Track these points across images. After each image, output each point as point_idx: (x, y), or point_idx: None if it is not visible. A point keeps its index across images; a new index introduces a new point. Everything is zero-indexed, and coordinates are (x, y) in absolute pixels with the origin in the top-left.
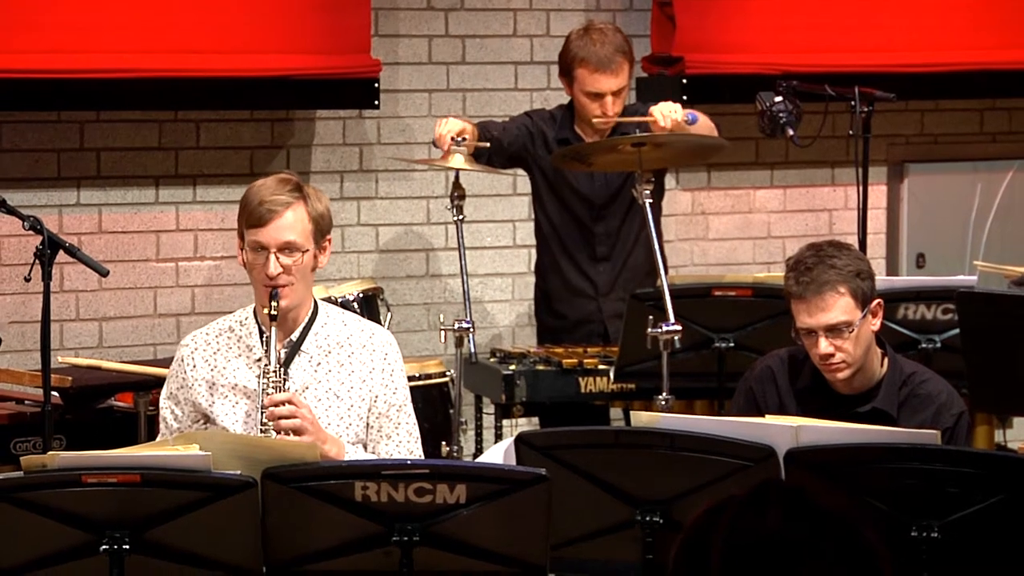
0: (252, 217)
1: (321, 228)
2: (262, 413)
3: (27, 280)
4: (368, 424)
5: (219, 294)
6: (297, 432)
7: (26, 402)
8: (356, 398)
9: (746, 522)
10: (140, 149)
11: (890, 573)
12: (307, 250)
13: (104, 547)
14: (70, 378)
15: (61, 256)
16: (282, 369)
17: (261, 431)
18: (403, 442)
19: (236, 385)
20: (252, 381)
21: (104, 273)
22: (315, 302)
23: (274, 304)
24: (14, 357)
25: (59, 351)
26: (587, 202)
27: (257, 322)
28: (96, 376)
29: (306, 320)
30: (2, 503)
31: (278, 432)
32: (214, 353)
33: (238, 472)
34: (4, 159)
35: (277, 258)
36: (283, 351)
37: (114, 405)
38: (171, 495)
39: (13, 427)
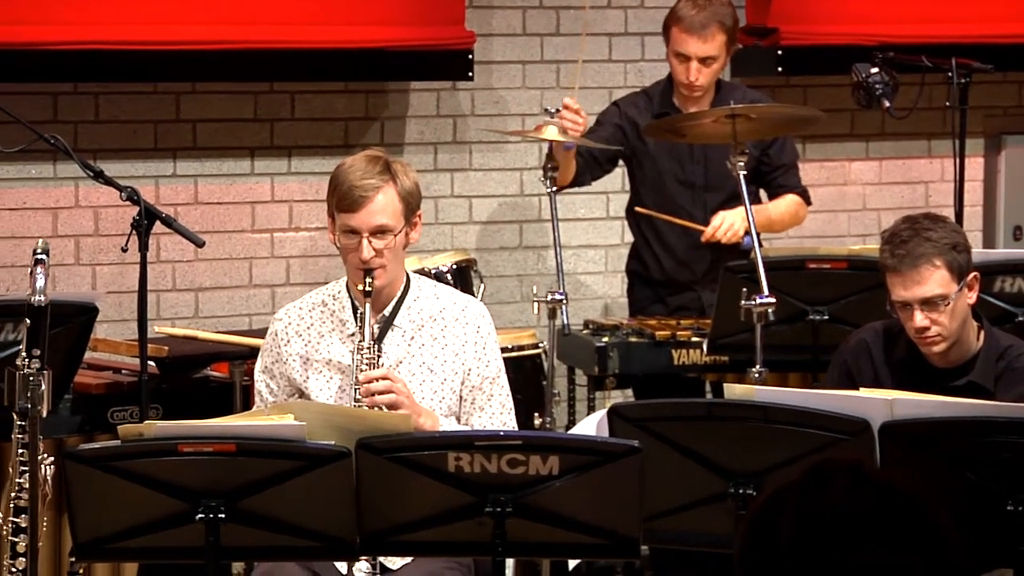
0: (343, 202)
1: (411, 205)
2: (356, 390)
3: (124, 251)
4: (461, 397)
5: (313, 265)
6: (393, 407)
7: (123, 372)
8: (449, 371)
9: (811, 498)
10: (235, 120)
11: (959, 558)
12: (399, 230)
13: (200, 515)
14: (166, 348)
15: (158, 227)
16: (376, 345)
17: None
18: (496, 414)
19: (330, 360)
20: (346, 356)
21: (200, 244)
22: (407, 276)
23: (369, 281)
24: (111, 327)
25: (155, 321)
26: (688, 187)
27: (350, 296)
28: (192, 346)
29: (399, 295)
30: (100, 471)
31: (372, 408)
32: (307, 328)
33: (332, 442)
34: (102, 130)
35: (370, 242)
36: (376, 326)
37: (210, 375)
38: (266, 464)
39: (110, 396)
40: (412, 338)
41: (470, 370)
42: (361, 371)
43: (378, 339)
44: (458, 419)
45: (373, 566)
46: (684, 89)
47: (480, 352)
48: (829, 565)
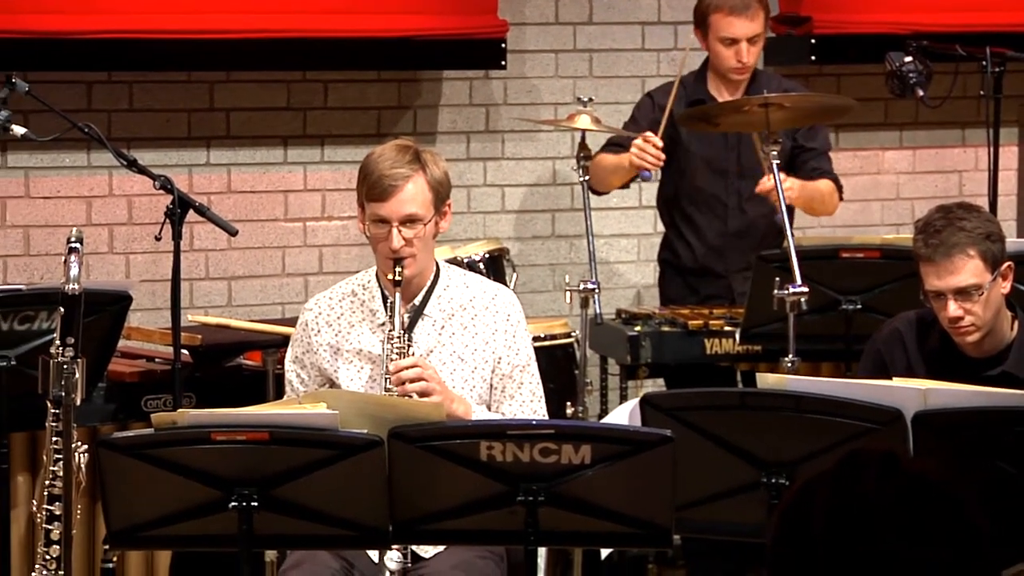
0: (373, 191)
1: (440, 194)
2: (387, 379)
3: (158, 239)
4: (492, 385)
5: (346, 254)
6: (425, 394)
7: (156, 360)
8: (479, 360)
9: (843, 489)
10: (268, 109)
11: (991, 552)
12: (428, 220)
13: (233, 503)
14: (200, 336)
15: (191, 215)
16: (406, 334)
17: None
18: (526, 402)
19: (360, 350)
20: (376, 346)
21: (233, 232)
22: (437, 265)
23: (398, 270)
24: (145, 315)
25: (189, 310)
26: (721, 174)
27: (380, 286)
28: (225, 335)
29: (428, 284)
30: (133, 460)
31: (403, 396)
32: (337, 318)
33: (365, 431)
34: (136, 119)
35: (399, 231)
36: (406, 316)
37: (243, 363)
38: (299, 453)
39: (144, 384)
40: (442, 327)
41: (500, 358)
42: (391, 360)
43: (408, 328)
44: (489, 407)
45: (404, 555)
46: (733, 73)
47: (510, 340)
48: (860, 556)
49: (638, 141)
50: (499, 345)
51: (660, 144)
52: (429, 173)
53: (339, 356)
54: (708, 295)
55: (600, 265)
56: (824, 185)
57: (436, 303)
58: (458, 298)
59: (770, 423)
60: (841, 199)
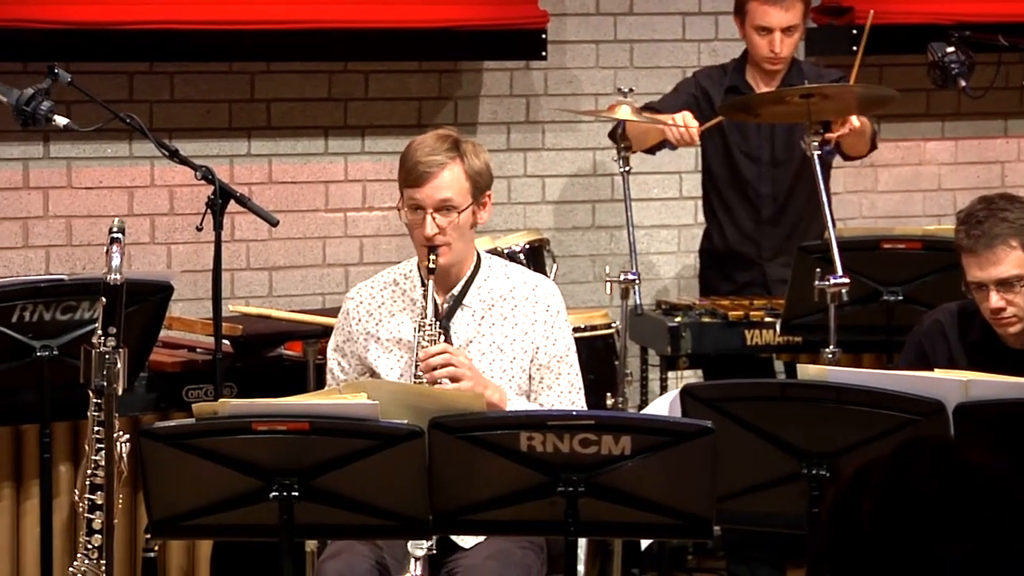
0: (409, 176)
1: (479, 184)
2: (417, 366)
3: (199, 229)
4: (530, 375)
5: (387, 244)
6: (455, 379)
7: (198, 350)
8: (519, 350)
9: (896, 477)
10: (309, 100)
11: None
12: (464, 208)
13: (274, 493)
14: (241, 327)
15: (232, 206)
16: (438, 322)
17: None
18: (564, 392)
19: (400, 340)
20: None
21: (274, 223)
22: (478, 255)
23: (432, 258)
24: (186, 305)
25: (230, 300)
26: (755, 161)
27: (420, 275)
28: (266, 325)
29: (468, 274)
30: (175, 449)
31: (433, 383)
32: (379, 307)
33: (405, 421)
34: (177, 110)
35: (433, 218)
36: (446, 305)
37: (283, 354)
38: (339, 443)
39: (185, 374)
40: (482, 318)
41: (538, 348)
42: (422, 348)
43: (447, 318)
44: (528, 398)
45: (431, 548)
46: (767, 63)
47: (548, 331)
48: (909, 546)
49: (679, 121)
50: (538, 335)
51: (696, 134)
52: (467, 162)
53: (379, 345)
54: (743, 282)
55: (640, 256)
56: (867, 119)
57: (476, 293)
58: (498, 288)
59: (811, 414)
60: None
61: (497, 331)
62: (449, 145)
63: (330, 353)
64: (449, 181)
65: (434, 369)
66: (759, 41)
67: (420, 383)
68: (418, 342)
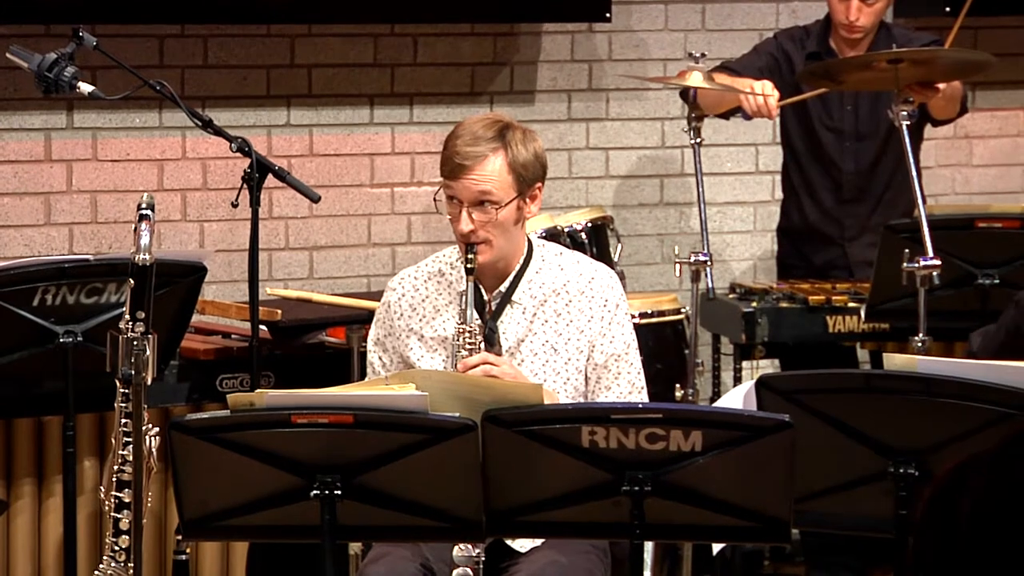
0: (445, 166)
1: (524, 177)
2: None
3: (234, 206)
4: (587, 376)
5: (437, 222)
6: None
7: (233, 336)
8: (574, 350)
9: (998, 477)
10: (354, 66)
11: None
12: (506, 203)
13: (315, 492)
14: (279, 311)
15: (270, 180)
16: (479, 327)
17: None
18: (623, 394)
19: (445, 338)
20: None
21: (315, 199)
22: (529, 244)
23: (470, 256)
24: (220, 288)
25: (267, 282)
26: (836, 133)
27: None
28: (306, 309)
29: (518, 267)
30: (208, 443)
31: None
32: (422, 300)
33: (457, 414)
34: (211, 76)
35: (470, 214)
36: (493, 303)
37: (325, 340)
38: (386, 438)
39: (219, 363)
40: (534, 315)
41: (594, 346)
42: (461, 356)
43: (494, 316)
44: (585, 400)
45: (478, 556)
46: (844, 31)
47: (606, 328)
48: (1015, 557)
49: (757, 89)
50: (595, 333)
51: (775, 107)
52: (511, 153)
53: (422, 342)
54: (824, 263)
55: (713, 235)
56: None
57: (526, 288)
58: (551, 283)
59: (898, 408)
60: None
61: (550, 329)
62: (494, 133)
63: (370, 346)
64: (488, 174)
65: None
66: (837, 6)
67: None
68: (457, 348)
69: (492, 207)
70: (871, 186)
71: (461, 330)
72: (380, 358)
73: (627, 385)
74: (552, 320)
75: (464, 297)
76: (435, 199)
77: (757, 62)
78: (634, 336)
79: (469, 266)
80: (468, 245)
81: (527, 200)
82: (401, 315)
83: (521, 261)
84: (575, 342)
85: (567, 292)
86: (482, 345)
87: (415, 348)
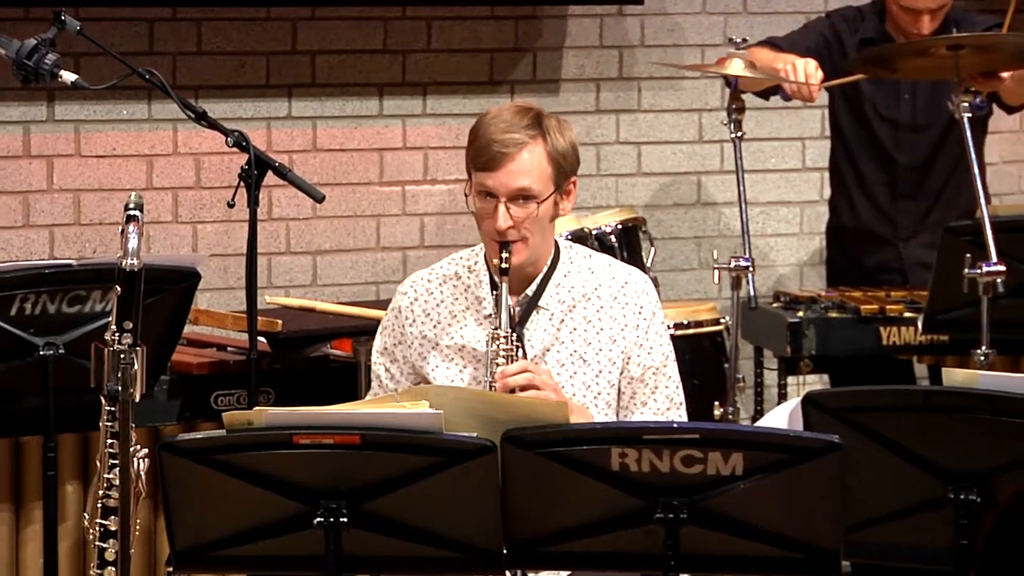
0: (480, 158)
1: (563, 169)
2: (492, 388)
3: (230, 206)
4: (620, 390)
5: (453, 224)
6: None
7: (229, 349)
8: (605, 361)
9: None
10: (361, 52)
11: None
12: (545, 198)
13: (319, 519)
14: (279, 321)
15: (269, 178)
16: (515, 334)
17: None
18: (661, 410)
19: (463, 347)
20: (481, 342)
21: (319, 198)
22: (557, 246)
23: (505, 256)
24: (215, 296)
25: (267, 289)
26: (891, 124)
27: (488, 270)
28: (309, 319)
29: (545, 270)
30: (202, 466)
31: None
32: (437, 305)
33: (474, 434)
34: (205, 64)
35: (508, 209)
36: (518, 308)
37: (330, 353)
38: (396, 460)
39: (214, 378)
40: (561, 322)
41: (629, 358)
42: (496, 365)
43: (520, 323)
44: (618, 417)
45: None
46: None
47: (641, 338)
48: None
49: (800, 72)
50: (629, 343)
51: (816, 91)
52: (551, 142)
53: (437, 351)
54: (875, 266)
55: (755, 238)
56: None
57: (554, 293)
58: (580, 287)
59: (959, 428)
60: None
61: (579, 338)
62: (530, 121)
63: (376, 356)
64: (528, 165)
65: (513, 390)
66: (902, 16)
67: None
68: (492, 357)
69: (532, 202)
70: (928, 182)
71: (496, 335)
72: (387, 369)
73: (665, 401)
74: (581, 328)
75: (499, 301)
76: (465, 194)
77: (806, 41)
78: (671, 347)
79: (504, 266)
80: (503, 244)
81: (563, 195)
82: (414, 321)
83: (549, 263)
84: (607, 352)
85: (598, 298)
86: (520, 353)
87: (430, 358)
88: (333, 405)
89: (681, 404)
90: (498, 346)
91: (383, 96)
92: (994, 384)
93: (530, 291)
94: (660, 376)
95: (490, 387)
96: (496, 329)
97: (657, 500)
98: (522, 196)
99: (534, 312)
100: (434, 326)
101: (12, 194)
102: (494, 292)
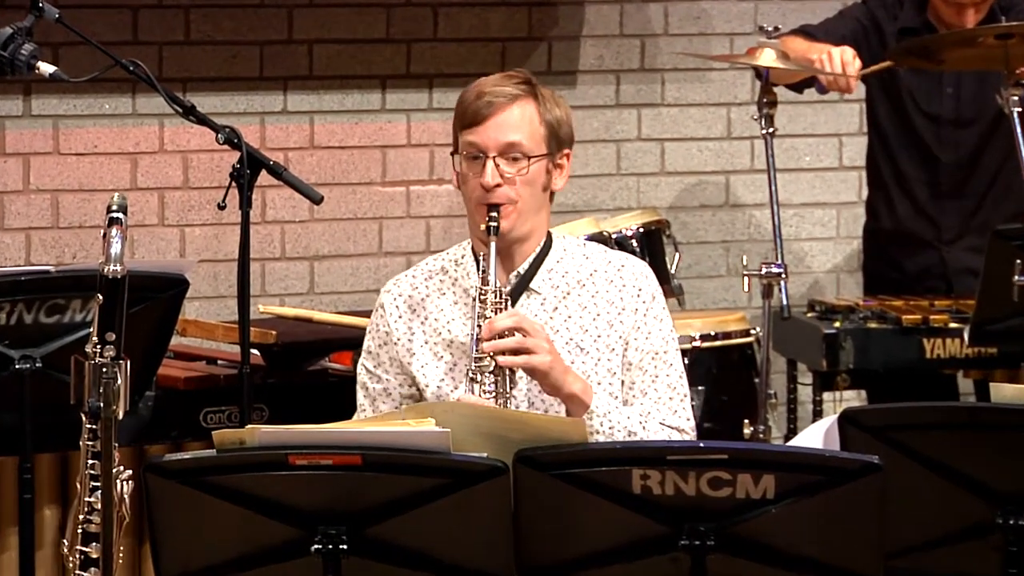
0: (467, 114)
1: (557, 135)
2: (475, 348)
3: (221, 208)
4: (621, 380)
5: (460, 227)
6: (532, 370)
7: (219, 362)
8: (604, 348)
9: None
10: (362, 42)
11: None
12: (536, 157)
13: (317, 546)
14: (274, 332)
15: (263, 178)
16: (504, 290)
17: (471, 376)
18: (662, 399)
19: (451, 341)
20: (467, 334)
21: (317, 199)
22: (549, 235)
23: (493, 216)
24: (204, 305)
25: (260, 298)
26: (932, 119)
27: (477, 260)
28: (306, 330)
29: (538, 251)
30: (190, 488)
31: (497, 375)
32: (422, 300)
33: (484, 454)
34: (194, 54)
35: (497, 165)
36: (507, 287)
37: (328, 367)
38: (400, 482)
39: (203, 393)
40: (555, 308)
41: (628, 344)
42: (484, 318)
43: (511, 301)
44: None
45: None
46: (950, 14)
47: (640, 321)
48: None
49: (836, 61)
50: (628, 327)
51: (854, 83)
52: (543, 104)
53: (424, 347)
54: (917, 271)
55: (788, 243)
56: None
57: (547, 277)
58: (575, 272)
59: (1008, 447)
60: None
61: (575, 325)
62: (521, 79)
63: (361, 362)
64: (519, 120)
65: (505, 352)
66: (944, 9)
67: (479, 367)
68: (478, 316)
69: (522, 159)
70: (973, 181)
71: (483, 291)
72: (371, 372)
73: (666, 389)
74: (577, 315)
75: (487, 257)
76: (455, 170)
77: (841, 28)
78: (674, 333)
79: (493, 224)
80: (490, 205)
81: (556, 167)
82: (399, 317)
83: (541, 245)
84: (605, 339)
85: (594, 283)
86: (510, 305)
87: (419, 354)
88: (332, 423)
89: (686, 395)
90: (484, 304)
91: (386, 89)
92: None
93: (521, 269)
94: (659, 362)
95: (475, 343)
96: (482, 289)
97: (682, 526)
98: (512, 150)
99: (526, 295)
100: (421, 321)
101: None
102: (482, 254)
